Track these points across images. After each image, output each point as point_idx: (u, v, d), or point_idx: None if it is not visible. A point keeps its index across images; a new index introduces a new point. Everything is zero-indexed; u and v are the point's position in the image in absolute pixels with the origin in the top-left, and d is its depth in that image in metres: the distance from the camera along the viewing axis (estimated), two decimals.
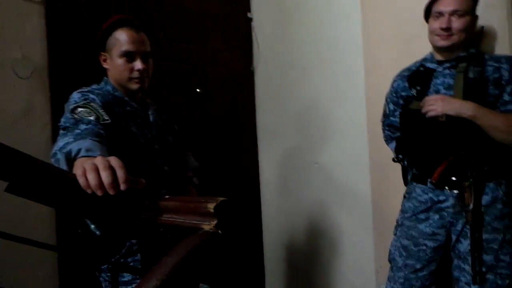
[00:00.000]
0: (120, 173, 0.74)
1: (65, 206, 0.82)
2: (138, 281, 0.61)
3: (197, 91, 2.52)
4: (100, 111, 1.27)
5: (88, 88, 1.39)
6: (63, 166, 0.98)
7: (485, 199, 1.54)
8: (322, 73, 2.47)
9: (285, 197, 2.75)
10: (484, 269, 1.52)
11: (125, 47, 1.40)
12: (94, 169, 0.73)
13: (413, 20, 1.89)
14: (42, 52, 1.92)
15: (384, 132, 1.89)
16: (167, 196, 0.80)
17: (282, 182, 2.78)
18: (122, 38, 1.40)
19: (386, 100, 1.85)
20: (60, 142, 1.09)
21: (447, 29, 1.55)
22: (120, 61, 1.41)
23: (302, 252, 2.66)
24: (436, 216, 1.63)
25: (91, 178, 0.72)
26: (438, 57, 1.67)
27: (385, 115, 1.86)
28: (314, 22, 2.50)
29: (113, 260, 1.32)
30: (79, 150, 0.98)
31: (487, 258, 1.52)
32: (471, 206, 1.50)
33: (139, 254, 1.38)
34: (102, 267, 1.37)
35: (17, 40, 1.84)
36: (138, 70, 1.41)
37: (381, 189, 2.19)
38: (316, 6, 2.49)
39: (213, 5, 2.65)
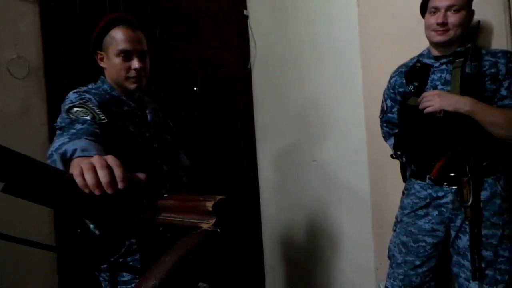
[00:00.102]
0: (117, 172, 0.73)
1: (63, 206, 0.81)
2: (137, 281, 0.60)
3: (194, 90, 2.52)
4: (97, 110, 1.26)
5: (85, 88, 1.38)
6: (59, 167, 0.98)
7: (484, 194, 1.54)
8: (320, 71, 2.47)
9: (284, 195, 2.75)
10: (483, 265, 1.53)
11: (122, 46, 1.38)
12: (91, 168, 0.73)
13: (409, 17, 1.89)
14: (37, 52, 1.91)
15: (382, 128, 1.89)
16: (165, 195, 0.80)
17: (280, 180, 2.78)
18: (118, 36, 1.39)
19: (384, 96, 1.85)
20: (56, 143, 1.08)
21: (443, 24, 1.55)
22: (117, 60, 1.40)
23: (301, 250, 2.66)
24: (435, 212, 1.63)
25: (89, 177, 0.72)
26: (435, 52, 1.67)
27: (383, 112, 1.86)
28: (311, 20, 2.50)
29: (112, 259, 1.32)
30: (74, 151, 0.97)
31: (486, 253, 1.53)
32: (470, 201, 1.50)
33: (138, 254, 1.37)
34: (102, 266, 1.36)
35: (11, 40, 1.83)
36: (135, 69, 1.40)
37: (380, 186, 2.19)
38: (312, 3, 2.48)
39: (210, 2, 2.64)
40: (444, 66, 1.63)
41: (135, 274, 1.31)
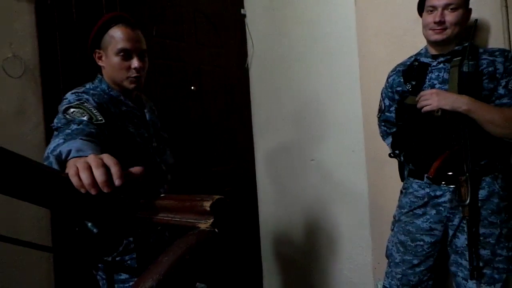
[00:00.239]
0: (114, 169, 0.72)
1: (59, 207, 0.81)
2: (135, 279, 0.60)
3: (192, 89, 2.51)
4: (94, 111, 1.25)
5: (83, 89, 1.37)
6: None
7: (482, 193, 1.55)
8: (317, 70, 2.46)
9: (282, 194, 2.75)
10: (481, 264, 1.53)
11: (122, 44, 1.38)
12: (87, 168, 0.72)
13: (407, 15, 1.89)
14: (33, 51, 1.90)
15: (380, 127, 1.89)
16: (163, 195, 0.79)
17: (278, 179, 2.77)
18: (118, 35, 1.38)
19: (382, 95, 1.85)
20: (51, 144, 1.08)
21: (441, 23, 1.55)
22: (116, 59, 1.39)
23: (299, 249, 2.66)
24: (433, 211, 1.63)
25: (84, 177, 0.71)
26: (433, 51, 1.67)
27: (381, 111, 1.85)
28: (308, 19, 2.49)
29: (110, 257, 1.31)
30: (69, 151, 0.96)
31: (484, 252, 1.53)
32: (467, 200, 1.49)
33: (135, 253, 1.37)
34: (99, 265, 1.36)
35: (7, 39, 1.82)
36: (135, 68, 1.40)
37: (377, 185, 2.19)
38: (310, 2, 2.48)
39: (207, 1, 2.63)
40: (441, 65, 1.63)
41: (132, 274, 1.30)
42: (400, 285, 1.70)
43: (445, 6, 1.55)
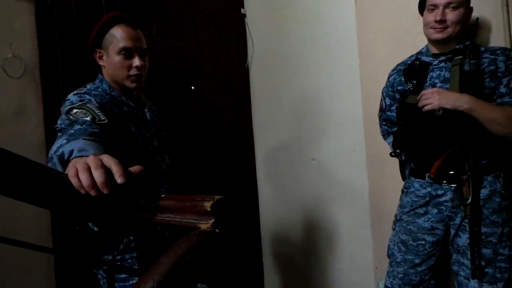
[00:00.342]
0: (115, 168, 0.72)
1: (59, 207, 0.80)
2: (136, 278, 0.60)
3: (192, 89, 2.51)
4: (97, 111, 1.26)
5: (85, 90, 1.38)
6: (59, 169, 0.97)
7: (483, 192, 1.54)
8: (318, 69, 2.46)
9: (282, 194, 2.75)
10: (483, 263, 1.52)
11: (123, 43, 1.39)
12: (86, 169, 0.71)
13: (408, 14, 1.89)
14: (33, 51, 1.90)
15: (381, 126, 1.89)
16: (163, 195, 0.78)
17: (279, 178, 2.77)
18: (119, 34, 1.39)
19: (383, 94, 1.84)
20: (55, 145, 1.09)
21: (442, 21, 1.55)
22: (118, 58, 1.40)
23: (300, 249, 2.65)
24: (435, 211, 1.62)
25: (84, 178, 0.70)
26: (434, 50, 1.66)
27: (382, 110, 1.85)
28: (309, 18, 2.49)
29: (110, 257, 1.31)
30: (71, 152, 0.96)
31: (486, 251, 1.52)
32: (469, 200, 1.49)
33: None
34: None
35: (7, 39, 1.82)
36: (137, 67, 1.40)
37: (378, 184, 2.18)
38: (310, 1, 2.48)
39: (207, 1, 2.63)
40: (442, 64, 1.62)
41: (132, 275, 1.30)
42: (402, 285, 1.70)
43: (446, 5, 1.54)
